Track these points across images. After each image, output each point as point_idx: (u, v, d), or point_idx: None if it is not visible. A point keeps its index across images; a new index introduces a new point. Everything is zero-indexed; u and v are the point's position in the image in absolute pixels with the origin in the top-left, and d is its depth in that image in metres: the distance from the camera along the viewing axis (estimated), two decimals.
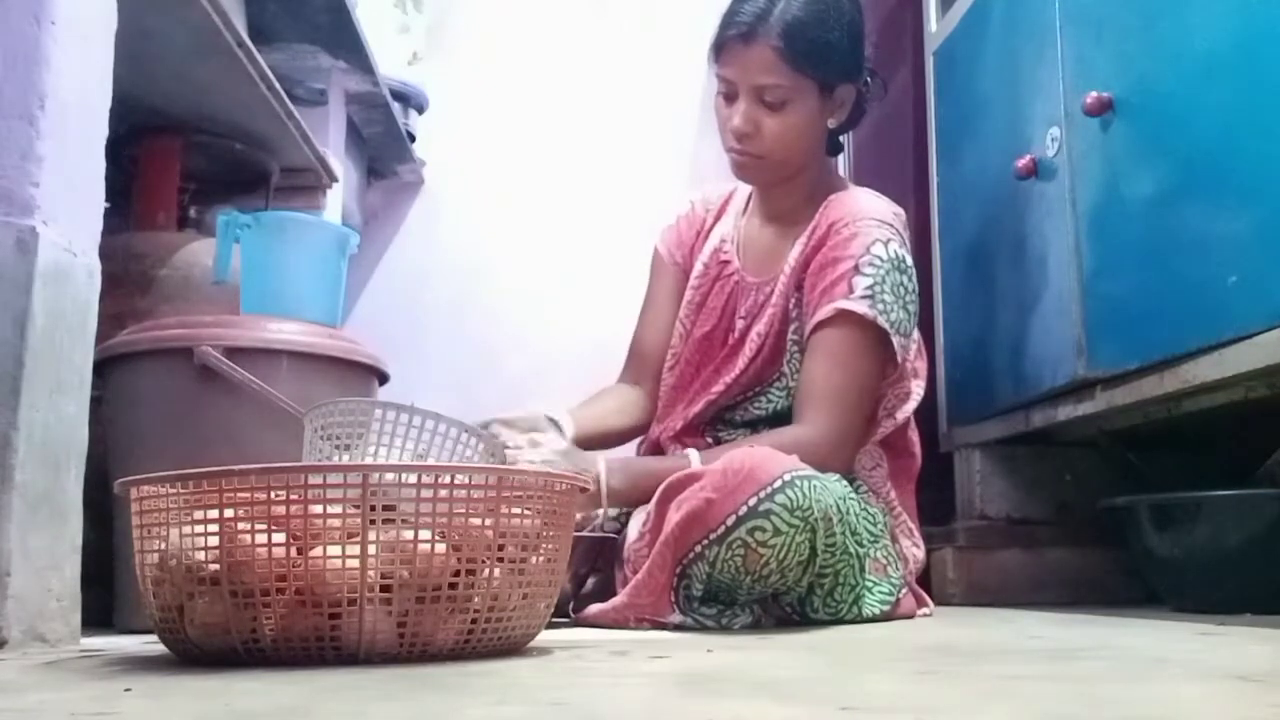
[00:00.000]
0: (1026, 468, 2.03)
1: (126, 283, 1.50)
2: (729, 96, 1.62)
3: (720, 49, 1.61)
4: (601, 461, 1.49)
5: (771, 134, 1.61)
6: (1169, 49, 1.52)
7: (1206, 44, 1.45)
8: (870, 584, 1.48)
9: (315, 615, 0.88)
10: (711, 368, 1.70)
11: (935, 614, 1.63)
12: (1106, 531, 1.87)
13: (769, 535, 1.30)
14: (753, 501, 1.30)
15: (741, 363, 1.65)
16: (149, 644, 1.11)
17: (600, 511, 1.57)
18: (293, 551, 0.89)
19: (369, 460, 1.08)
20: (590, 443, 1.61)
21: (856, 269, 1.55)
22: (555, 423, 1.54)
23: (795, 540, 1.31)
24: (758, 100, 1.60)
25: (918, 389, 1.67)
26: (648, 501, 1.43)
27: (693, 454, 1.52)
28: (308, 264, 1.48)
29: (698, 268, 1.76)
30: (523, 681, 0.81)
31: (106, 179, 1.16)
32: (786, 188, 1.69)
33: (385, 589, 0.89)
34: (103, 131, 1.16)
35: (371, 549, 0.88)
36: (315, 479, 0.91)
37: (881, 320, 1.54)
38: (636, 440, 1.81)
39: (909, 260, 1.60)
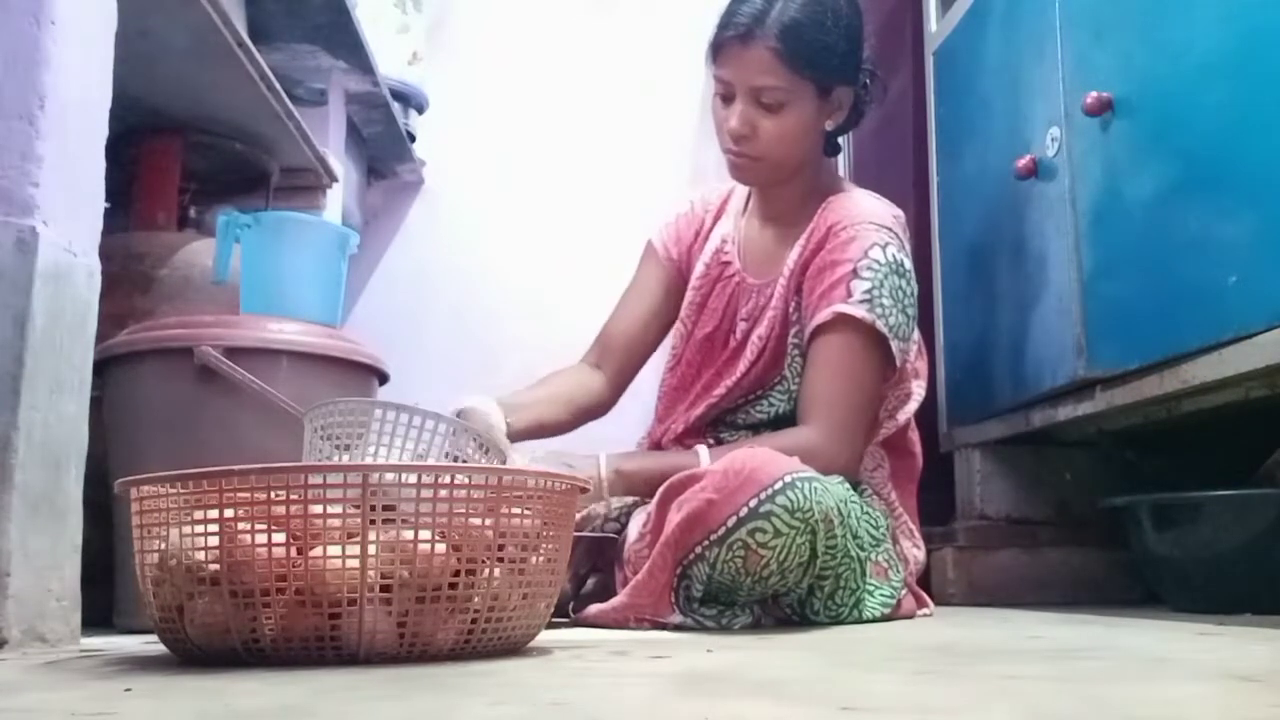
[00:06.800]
0: (1026, 468, 2.03)
1: (126, 283, 1.50)
2: (726, 97, 1.62)
3: (717, 50, 1.61)
4: (602, 455, 1.49)
5: (768, 136, 1.60)
6: (1169, 49, 1.52)
7: (1206, 44, 1.45)
8: (871, 587, 1.48)
9: (315, 615, 0.88)
10: (713, 370, 1.70)
11: (935, 614, 1.63)
12: (1106, 531, 1.87)
13: (769, 537, 1.30)
14: (753, 503, 1.30)
15: (743, 366, 1.65)
16: (149, 644, 1.11)
17: (601, 510, 1.57)
18: (293, 551, 0.89)
19: (369, 460, 1.08)
20: (522, 437, 1.58)
21: (855, 272, 1.55)
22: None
23: (795, 542, 1.31)
24: (755, 102, 1.59)
25: (918, 390, 1.67)
26: (652, 490, 1.43)
27: (702, 450, 1.52)
28: (308, 264, 1.48)
29: (699, 268, 1.76)
30: (523, 681, 0.81)
31: (106, 179, 1.16)
32: (784, 189, 1.69)
33: (385, 589, 0.89)
34: (103, 131, 1.16)
35: (371, 549, 0.88)
36: (315, 479, 0.91)
37: (880, 324, 1.54)
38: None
39: (908, 264, 1.60)
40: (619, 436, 1.76)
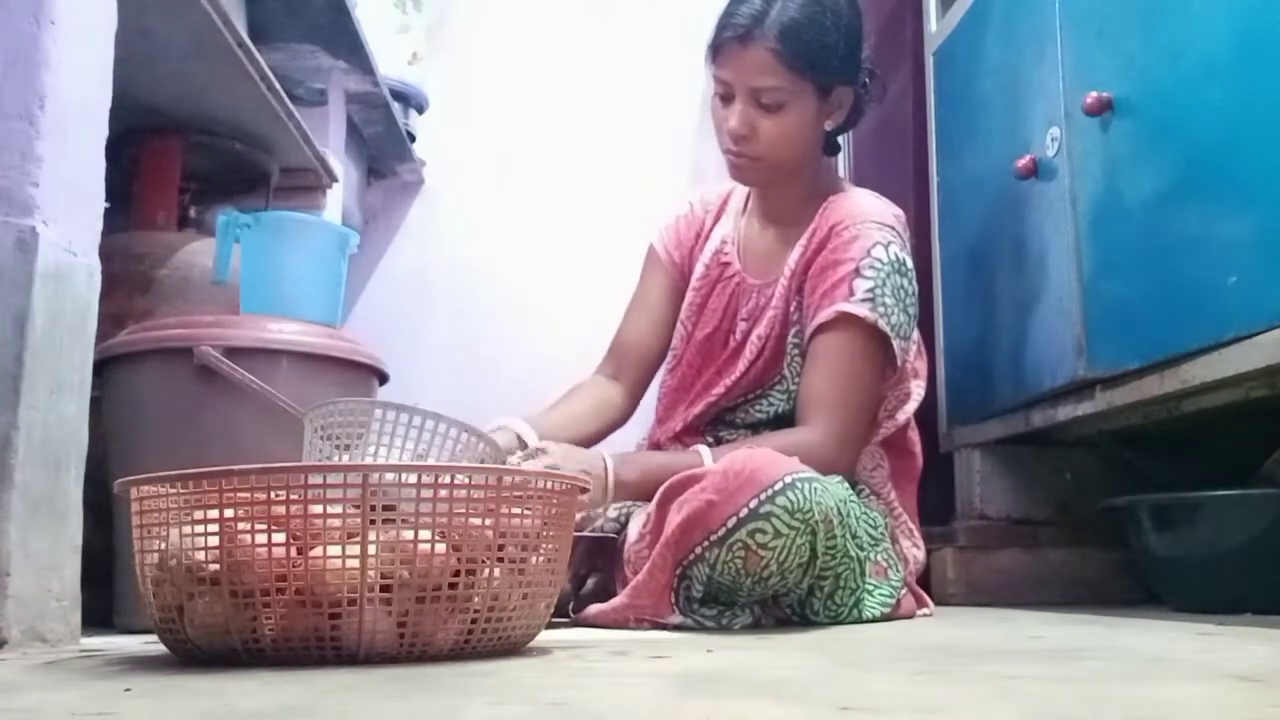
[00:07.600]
0: (1026, 468, 2.03)
1: (126, 283, 1.50)
2: (725, 98, 1.62)
3: (717, 50, 1.61)
4: (607, 457, 1.47)
5: (768, 136, 1.60)
6: (1169, 49, 1.52)
7: (1206, 44, 1.45)
8: (871, 587, 1.48)
9: (315, 615, 0.88)
10: (713, 370, 1.70)
11: (935, 614, 1.63)
12: (1106, 531, 1.87)
13: (769, 537, 1.30)
14: (753, 504, 1.30)
15: (742, 365, 1.65)
16: (149, 644, 1.11)
17: (601, 509, 1.56)
18: (293, 551, 0.89)
19: (369, 460, 1.08)
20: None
21: (857, 271, 1.55)
22: (520, 440, 1.51)
23: (796, 542, 1.31)
24: (754, 102, 1.59)
25: (918, 389, 1.67)
26: (654, 492, 1.42)
27: (704, 450, 1.51)
28: (308, 264, 1.48)
29: (699, 269, 1.76)
30: (523, 681, 0.81)
31: (106, 179, 1.16)
32: (784, 189, 1.69)
33: (385, 589, 0.89)
34: (103, 131, 1.16)
35: (371, 549, 0.88)
36: (315, 479, 0.91)
37: (882, 323, 1.54)
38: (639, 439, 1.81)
39: (909, 263, 1.60)
40: (619, 438, 1.76)
